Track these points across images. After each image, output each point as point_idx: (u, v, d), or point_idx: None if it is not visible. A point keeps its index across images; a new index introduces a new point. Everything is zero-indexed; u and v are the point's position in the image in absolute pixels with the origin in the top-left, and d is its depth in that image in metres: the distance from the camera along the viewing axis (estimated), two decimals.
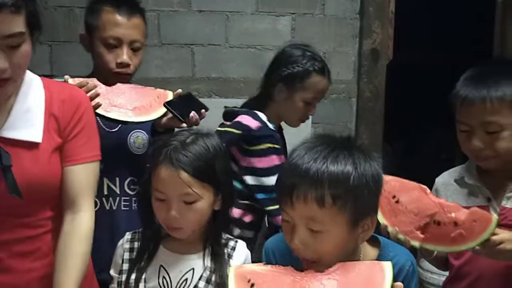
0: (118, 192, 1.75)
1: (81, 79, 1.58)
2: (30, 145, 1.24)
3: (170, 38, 2.74)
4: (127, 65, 1.72)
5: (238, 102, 2.24)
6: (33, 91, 1.28)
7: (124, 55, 1.71)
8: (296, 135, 1.99)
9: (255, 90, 2.86)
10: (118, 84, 1.69)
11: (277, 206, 1.57)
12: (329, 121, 2.90)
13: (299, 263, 1.15)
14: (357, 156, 1.06)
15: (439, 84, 4.69)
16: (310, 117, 2.01)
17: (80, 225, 1.30)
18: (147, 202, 1.33)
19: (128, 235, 1.39)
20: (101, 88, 1.61)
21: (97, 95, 1.56)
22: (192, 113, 1.67)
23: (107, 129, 1.71)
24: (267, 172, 1.77)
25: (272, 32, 2.85)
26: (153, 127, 1.75)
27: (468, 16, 4.14)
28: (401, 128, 4.40)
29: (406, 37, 3.35)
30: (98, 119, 1.62)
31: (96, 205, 1.62)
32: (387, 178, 1.21)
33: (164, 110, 1.65)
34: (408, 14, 3.23)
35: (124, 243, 1.38)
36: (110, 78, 1.70)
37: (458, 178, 1.49)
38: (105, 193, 1.71)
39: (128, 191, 1.76)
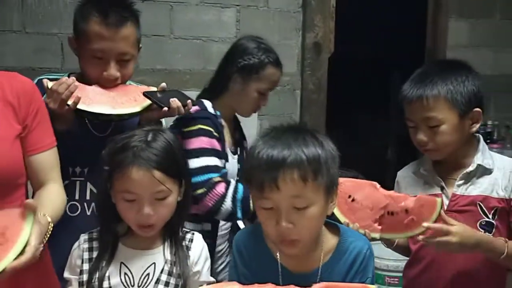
0: None
1: (58, 81, 1.47)
2: None
3: None
4: (115, 78, 1.59)
5: None
6: None
7: (111, 69, 1.57)
8: (243, 126, 2.01)
9: (200, 82, 2.84)
10: (96, 87, 1.58)
11: (203, 190, 1.61)
12: (274, 112, 2.92)
13: (271, 254, 1.24)
14: (317, 136, 1.18)
15: (375, 76, 4.87)
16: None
17: (50, 187, 1.34)
18: (106, 204, 1.31)
19: (84, 236, 1.36)
20: (82, 85, 1.52)
21: (76, 87, 1.46)
22: (173, 100, 1.58)
23: (97, 134, 1.60)
24: (193, 153, 1.67)
25: (217, 23, 2.83)
26: (139, 124, 1.64)
27: (402, 10, 4.27)
28: (341, 117, 4.50)
29: (346, 31, 3.40)
30: (88, 123, 1.56)
31: (77, 209, 1.58)
32: (341, 180, 1.26)
33: (148, 103, 1.56)
34: (347, 9, 3.29)
35: (82, 243, 1.34)
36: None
37: (416, 170, 1.59)
38: (87, 198, 1.62)
39: None
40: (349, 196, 1.42)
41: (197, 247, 1.37)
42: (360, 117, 4.95)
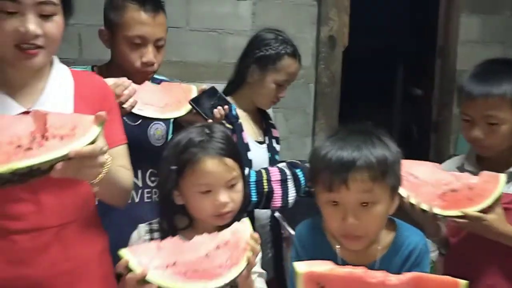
0: (140, 185, 1.70)
1: (115, 80, 1.50)
2: None
3: None
4: (152, 64, 1.64)
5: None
6: (62, 75, 1.31)
7: (150, 54, 1.63)
8: None
9: (215, 74, 2.83)
10: (147, 82, 1.64)
11: None
12: (288, 106, 2.90)
13: (330, 247, 1.29)
14: (383, 138, 1.24)
15: (385, 70, 4.84)
16: None
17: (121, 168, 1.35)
18: (169, 201, 1.33)
19: (145, 227, 1.37)
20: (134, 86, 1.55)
21: (134, 91, 1.51)
22: (217, 110, 1.64)
23: (129, 122, 1.63)
24: None
25: (233, 16, 2.80)
26: (175, 121, 1.72)
27: (414, 5, 4.23)
28: (354, 111, 4.49)
29: (360, 24, 3.37)
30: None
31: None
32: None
33: (190, 107, 1.61)
34: (362, 3, 3.26)
35: (143, 235, 1.35)
36: (133, 74, 1.62)
37: (459, 166, 1.57)
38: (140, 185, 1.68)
39: (149, 183, 1.72)
40: (411, 174, 1.40)
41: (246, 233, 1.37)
42: (373, 110, 4.93)
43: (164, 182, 1.34)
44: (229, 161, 1.30)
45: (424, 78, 3.76)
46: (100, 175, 1.16)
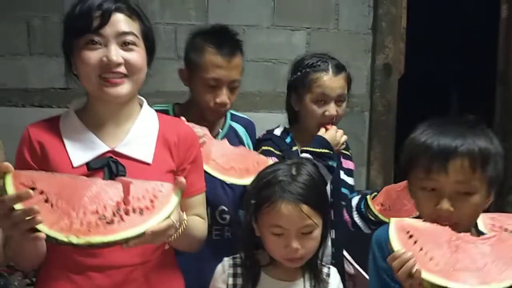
0: (209, 221, 1.68)
1: (193, 125, 1.55)
2: (142, 164, 1.28)
3: None
4: (225, 105, 1.69)
5: (253, 115, 2.17)
6: (148, 119, 1.34)
7: (224, 95, 1.68)
8: None
9: (270, 103, 2.82)
10: (225, 141, 1.68)
11: None
12: None
13: None
14: (487, 131, 1.22)
15: (444, 96, 4.66)
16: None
17: (196, 217, 1.36)
18: (251, 235, 1.33)
19: (229, 261, 1.37)
20: (209, 137, 1.61)
21: (204, 142, 1.55)
22: None
23: None
24: None
25: (288, 46, 2.80)
26: None
27: (473, 31, 4.08)
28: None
29: (417, 51, 3.27)
30: None
31: None
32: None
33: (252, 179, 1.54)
34: (418, 30, 3.17)
35: (227, 269, 1.36)
36: (207, 112, 1.70)
37: None
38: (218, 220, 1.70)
39: (219, 220, 1.72)
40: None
41: (335, 282, 1.37)
42: None
43: (245, 213, 1.35)
44: (305, 208, 1.26)
45: (483, 104, 3.59)
46: (173, 237, 1.18)
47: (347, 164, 1.91)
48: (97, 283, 1.21)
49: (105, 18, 1.21)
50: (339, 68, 1.79)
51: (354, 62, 2.87)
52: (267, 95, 2.81)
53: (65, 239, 0.98)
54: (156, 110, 1.53)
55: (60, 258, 1.22)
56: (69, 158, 1.23)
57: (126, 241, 1.04)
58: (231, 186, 1.73)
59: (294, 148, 1.80)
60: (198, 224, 1.36)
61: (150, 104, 1.42)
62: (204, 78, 1.67)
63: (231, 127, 1.85)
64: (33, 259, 1.22)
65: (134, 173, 1.23)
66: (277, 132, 1.84)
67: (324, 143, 1.71)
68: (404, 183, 1.67)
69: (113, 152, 1.26)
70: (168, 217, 1.09)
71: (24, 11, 2.58)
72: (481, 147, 1.17)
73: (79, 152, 1.24)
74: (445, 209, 1.16)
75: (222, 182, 1.71)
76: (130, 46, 1.24)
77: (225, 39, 1.72)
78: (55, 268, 1.23)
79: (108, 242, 1.01)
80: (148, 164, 1.28)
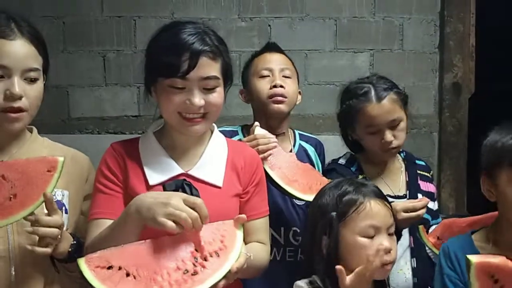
0: (282, 242, 1.69)
1: (265, 132, 1.59)
2: (213, 187, 1.31)
3: None
4: (281, 86, 1.72)
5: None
6: (218, 144, 1.38)
7: (277, 78, 1.72)
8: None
9: (332, 126, 2.72)
10: (293, 154, 1.68)
11: None
12: None
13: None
14: None
15: None
16: None
17: (257, 244, 1.35)
18: (336, 250, 1.26)
19: (305, 286, 1.27)
20: (279, 147, 1.60)
21: (274, 147, 1.56)
22: None
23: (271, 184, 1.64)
24: None
25: (351, 68, 2.70)
26: None
27: None
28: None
29: (486, 69, 3.04)
30: None
31: None
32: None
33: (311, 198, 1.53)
34: (488, 47, 2.95)
35: None
36: (267, 108, 1.72)
37: None
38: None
39: (292, 241, 1.70)
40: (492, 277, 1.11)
41: None
42: None
43: (320, 233, 1.26)
44: (388, 205, 1.27)
45: None
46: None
47: (427, 186, 1.76)
48: None
49: (192, 63, 1.22)
50: (385, 91, 1.64)
51: (420, 82, 2.73)
52: (330, 118, 2.71)
53: None
54: (226, 131, 1.54)
55: None
56: (145, 177, 1.27)
57: (215, 285, 1.06)
58: (302, 208, 1.70)
59: (361, 177, 1.69)
60: (259, 252, 1.32)
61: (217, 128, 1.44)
62: (256, 72, 1.75)
63: (301, 146, 1.84)
64: None
65: (206, 196, 1.24)
66: (342, 161, 1.76)
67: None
68: (470, 219, 1.57)
69: (186, 175, 1.29)
70: (241, 251, 1.12)
71: (100, 46, 2.69)
72: None
73: (155, 173, 1.27)
74: None
75: (293, 203, 1.69)
76: (212, 90, 1.27)
77: (270, 47, 1.85)
78: None
79: None
80: (219, 187, 1.30)
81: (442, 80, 2.73)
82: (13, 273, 1.21)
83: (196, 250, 1.09)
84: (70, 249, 1.24)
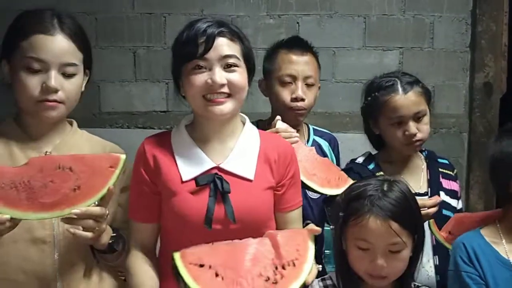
0: None
1: (288, 126, 1.57)
2: (245, 180, 1.31)
3: None
4: (302, 99, 1.71)
5: (343, 136, 2.08)
6: (250, 136, 1.36)
7: (299, 90, 1.71)
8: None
9: (358, 125, 2.66)
10: (313, 148, 1.65)
11: None
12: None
13: (500, 255, 1.32)
14: None
15: None
16: None
17: None
18: (341, 250, 1.26)
19: (318, 283, 1.30)
20: (300, 143, 1.58)
21: (296, 141, 1.55)
22: None
23: None
24: None
25: (379, 66, 2.64)
26: None
27: None
28: None
29: None
30: None
31: None
32: None
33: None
34: None
35: None
36: (287, 113, 1.70)
37: None
38: None
39: None
40: None
41: None
42: None
43: (335, 227, 1.28)
44: (395, 225, 1.17)
45: None
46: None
47: (450, 184, 1.71)
48: None
49: (209, 43, 1.24)
50: (410, 84, 1.62)
51: (450, 81, 2.66)
52: (357, 116, 2.63)
53: None
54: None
55: None
56: (179, 172, 1.29)
57: None
58: (317, 201, 1.69)
59: (378, 174, 1.65)
60: None
61: None
62: (279, 77, 1.71)
63: (315, 141, 1.83)
64: None
65: (237, 189, 1.26)
66: (360, 160, 1.74)
67: None
68: (482, 214, 1.58)
69: (218, 168, 1.29)
70: (313, 263, 1.15)
71: (131, 42, 2.71)
72: None
73: (188, 167, 1.28)
74: None
75: (307, 195, 1.67)
76: (233, 68, 1.27)
77: (296, 41, 1.80)
78: None
79: None
80: (250, 180, 1.30)
81: (473, 79, 2.65)
82: (57, 258, 1.25)
83: (278, 258, 1.12)
84: (110, 241, 1.28)
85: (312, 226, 1.17)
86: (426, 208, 1.45)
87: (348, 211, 1.23)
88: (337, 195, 1.50)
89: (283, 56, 1.73)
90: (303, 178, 1.48)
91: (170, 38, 2.69)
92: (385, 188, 1.22)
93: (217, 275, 1.05)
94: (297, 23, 2.68)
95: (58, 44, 1.25)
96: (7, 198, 1.09)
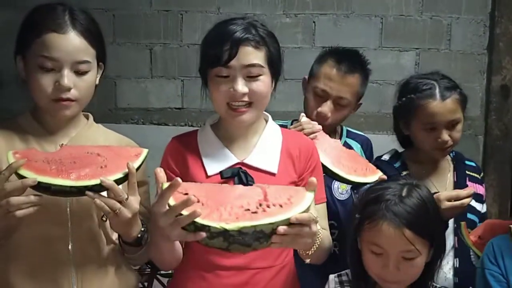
0: None
1: (309, 120, 1.56)
2: (268, 174, 1.32)
3: (293, 73, 2.59)
4: (325, 117, 1.66)
5: None
6: (273, 133, 1.38)
7: (326, 107, 1.67)
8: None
9: (374, 125, 2.64)
10: (339, 141, 1.65)
11: None
12: None
13: None
14: None
15: None
16: None
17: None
18: (356, 252, 1.25)
19: (335, 279, 1.31)
20: (323, 133, 1.56)
21: (319, 130, 1.53)
22: None
23: None
24: None
25: (395, 67, 2.62)
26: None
27: None
28: None
29: None
30: None
31: None
32: None
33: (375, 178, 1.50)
34: None
35: (333, 287, 1.31)
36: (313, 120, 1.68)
37: None
38: None
39: None
40: None
41: None
42: None
43: (351, 228, 1.26)
44: (408, 232, 1.14)
45: None
46: (314, 246, 1.15)
47: (476, 188, 1.65)
48: (225, 282, 1.28)
49: (233, 51, 1.24)
50: (449, 90, 1.57)
51: (467, 84, 2.59)
52: (372, 116, 2.64)
53: (217, 226, 1.02)
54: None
55: (195, 258, 1.30)
56: (204, 168, 1.31)
57: (272, 230, 1.03)
58: (343, 203, 1.67)
59: (404, 173, 1.63)
60: (325, 237, 1.31)
61: None
62: (314, 87, 1.67)
63: (346, 143, 1.79)
64: (171, 261, 1.28)
65: (261, 182, 1.25)
66: (386, 157, 1.70)
67: None
68: None
69: (242, 163, 1.32)
70: (307, 211, 1.07)
71: (147, 39, 2.71)
72: None
73: (213, 163, 1.31)
74: None
75: (334, 198, 1.65)
76: (256, 77, 1.27)
77: (349, 58, 1.69)
78: (190, 267, 1.31)
79: (256, 226, 1.03)
80: (273, 174, 1.31)
81: (490, 82, 2.61)
82: (71, 248, 1.26)
83: (265, 200, 1.10)
84: (138, 235, 1.28)
85: (312, 179, 1.09)
86: (459, 200, 1.42)
87: (364, 214, 1.21)
88: (365, 183, 1.47)
89: (327, 69, 1.66)
90: (328, 164, 1.45)
91: (186, 35, 2.69)
92: (403, 194, 1.19)
93: (198, 201, 1.05)
94: (314, 22, 2.66)
95: (71, 42, 1.24)
96: (38, 168, 1.13)
